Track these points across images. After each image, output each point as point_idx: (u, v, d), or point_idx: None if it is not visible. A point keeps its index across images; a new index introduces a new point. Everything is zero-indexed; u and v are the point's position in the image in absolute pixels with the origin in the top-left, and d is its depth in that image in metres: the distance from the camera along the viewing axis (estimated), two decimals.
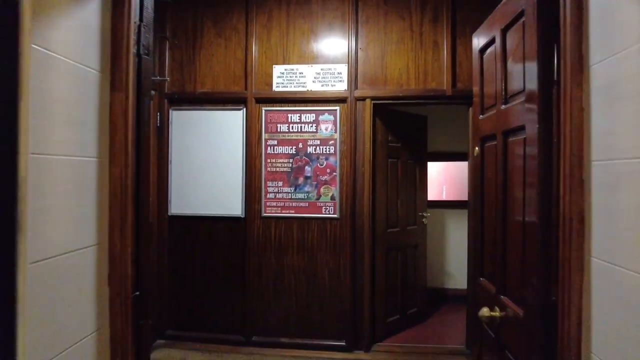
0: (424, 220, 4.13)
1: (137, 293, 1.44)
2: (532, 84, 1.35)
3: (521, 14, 1.45)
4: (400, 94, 3.39)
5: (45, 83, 1.06)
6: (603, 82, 1.12)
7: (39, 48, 1.03)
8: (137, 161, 1.43)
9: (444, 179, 5.76)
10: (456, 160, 4.81)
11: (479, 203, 1.95)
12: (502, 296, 1.64)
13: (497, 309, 1.64)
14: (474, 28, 2.05)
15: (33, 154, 1.01)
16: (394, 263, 3.77)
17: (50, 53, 1.08)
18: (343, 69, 3.43)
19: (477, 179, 2.03)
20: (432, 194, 5.38)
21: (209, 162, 3.50)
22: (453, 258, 4.91)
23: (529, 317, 1.38)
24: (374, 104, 3.42)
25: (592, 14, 1.17)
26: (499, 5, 1.70)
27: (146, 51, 1.49)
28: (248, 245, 3.48)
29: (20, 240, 0.97)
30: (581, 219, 1.20)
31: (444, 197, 5.61)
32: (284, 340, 3.44)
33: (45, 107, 1.07)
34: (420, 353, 3.39)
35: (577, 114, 1.22)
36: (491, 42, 1.77)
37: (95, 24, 1.29)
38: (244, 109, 3.49)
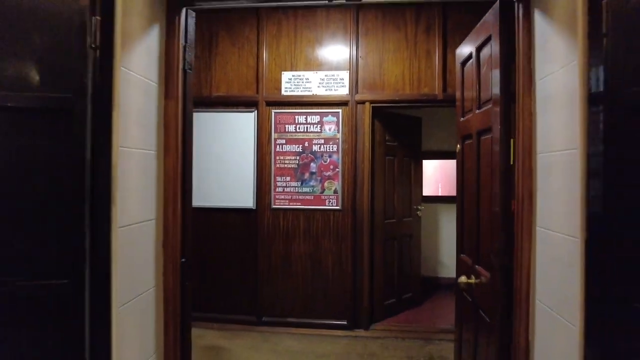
0: (418, 212, 4.50)
1: (183, 260, 1.81)
2: (496, 93, 1.72)
3: (489, 37, 1.82)
4: (397, 98, 3.77)
5: (125, 93, 1.43)
6: (543, 95, 1.49)
7: (123, 68, 1.40)
8: (183, 154, 1.80)
9: (440, 176, 6.15)
10: (448, 158, 5.17)
11: (460, 192, 2.32)
12: (476, 266, 2.01)
13: (472, 277, 2.01)
14: (463, 36, 2.40)
15: (121, 146, 1.38)
16: (391, 251, 4.14)
17: (129, 71, 1.45)
18: (345, 75, 3.80)
19: (459, 172, 2.40)
20: (429, 190, 5.77)
21: (223, 159, 3.86)
22: (447, 249, 5.28)
23: (493, 277, 1.75)
24: (372, 107, 3.79)
25: (537, 42, 1.55)
26: (475, 27, 2.07)
27: (189, 66, 1.86)
28: (259, 234, 3.85)
29: (114, 210, 1.34)
30: (530, 198, 1.58)
31: (439, 193, 5.99)
32: (291, 319, 3.80)
33: (125, 111, 1.43)
34: (413, 332, 3.76)
35: (527, 117, 1.59)
36: (469, 57, 2.15)
37: (154, 47, 1.66)
38: (256, 111, 3.86)
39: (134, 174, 1.51)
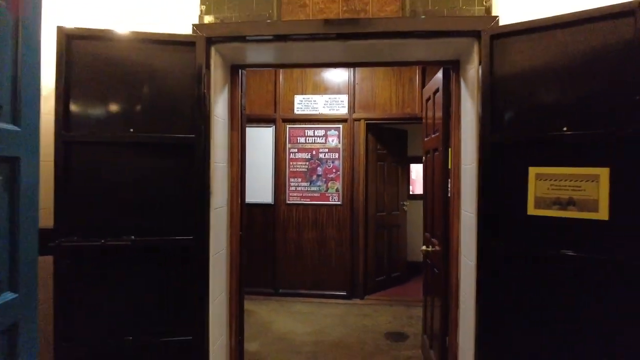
0: (404, 207, 5.50)
1: (241, 233, 2.81)
2: (440, 126, 2.72)
3: (438, 89, 2.82)
4: (385, 117, 4.76)
5: (214, 129, 2.42)
6: (464, 130, 2.49)
7: (214, 115, 2.40)
8: (240, 165, 2.79)
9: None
10: None
11: (425, 189, 3.32)
12: (432, 239, 3.00)
13: (430, 246, 3.01)
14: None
15: (214, 162, 2.37)
16: (382, 238, 5.14)
17: (216, 116, 2.45)
18: (345, 98, 4.80)
19: (424, 175, 3.40)
20: (418, 189, 6.74)
21: (249, 164, 4.84)
22: None
23: (440, 244, 2.75)
24: (366, 123, 4.79)
25: (462, 96, 2.54)
26: (432, 79, 3.06)
27: (244, 107, 2.85)
28: (276, 224, 4.85)
29: (211, 199, 2.34)
30: (459, 193, 2.57)
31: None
32: (301, 291, 4.80)
33: (214, 141, 2.42)
34: (399, 301, 4.75)
35: (457, 143, 2.58)
36: (428, 99, 3.15)
37: (225, 96, 2.65)
38: (274, 127, 4.86)
39: (218, 178, 2.51)
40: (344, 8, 2.29)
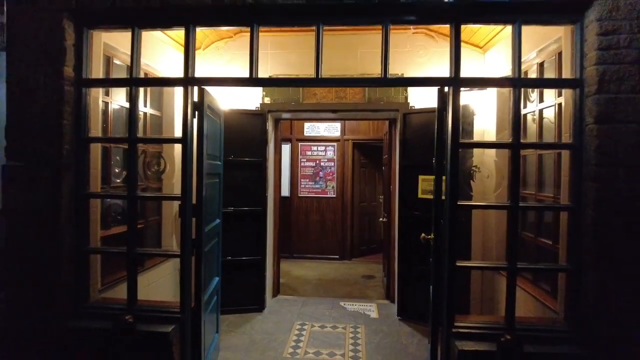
0: (380, 199, 7.83)
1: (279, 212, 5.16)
2: (388, 153, 5.06)
3: (386, 132, 5.17)
4: (366, 138, 7.10)
5: (269, 154, 4.75)
6: (395, 157, 4.83)
7: (268, 147, 4.74)
8: (279, 172, 5.13)
9: None
10: None
11: (383, 187, 5.68)
12: (385, 214, 5.35)
13: (384, 218, 5.35)
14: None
15: (269, 172, 4.72)
16: (363, 220, 7.48)
17: (269, 148, 4.79)
18: (338, 125, 7.14)
19: (385, 178, 5.75)
20: None
21: None
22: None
23: (386, 217, 5.10)
24: (353, 142, 7.13)
25: (394, 137, 4.88)
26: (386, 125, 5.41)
27: (281, 140, 5.20)
28: (291, 210, 7.18)
29: (267, 190, 4.71)
30: (394, 188, 4.91)
31: None
32: (308, 255, 7.14)
33: (268, 162, 4.76)
34: (373, 261, 7.09)
35: (393, 163, 4.92)
36: (385, 133, 5.49)
37: (274, 137, 5.00)
38: (290, 144, 7.20)
39: (269, 180, 4.84)
40: (335, 96, 4.63)
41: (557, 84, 2.88)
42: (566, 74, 2.66)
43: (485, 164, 4.03)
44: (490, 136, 4.14)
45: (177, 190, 4.36)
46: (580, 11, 2.46)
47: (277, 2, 2.49)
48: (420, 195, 4.28)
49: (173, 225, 4.31)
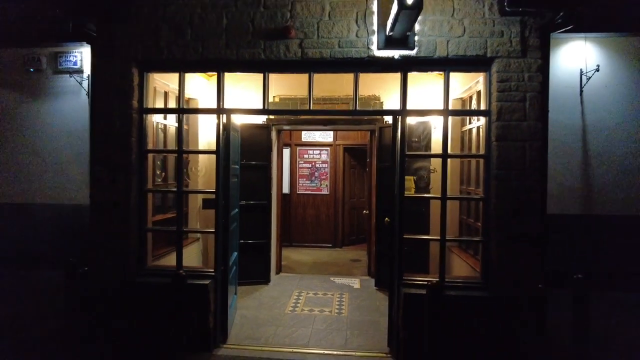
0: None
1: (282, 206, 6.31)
2: (370, 158, 6.22)
3: (368, 139, 6.33)
4: (355, 143, 8.26)
5: (272, 158, 5.90)
6: (374, 160, 5.99)
7: (273, 152, 5.91)
8: (281, 173, 6.29)
9: None
10: None
11: (368, 185, 6.84)
12: (367, 207, 6.51)
13: (367, 212, 6.51)
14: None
15: (273, 173, 5.89)
16: (353, 214, 8.64)
17: (273, 153, 5.95)
18: (331, 132, 8.29)
19: (367, 176, 6.92)
20: None
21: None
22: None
23: (367, 209, 6.26)
24: (343, 147, 8.29)
25: (374, 144, 6.04)
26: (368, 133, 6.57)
27: (282, 145, 6.35)
28: (291, 205, 8.34)
29: (272, 188, 5.88)
30: (374, 186, 6.07)
31: None
32: (305, 244, 8.30)
33: (272, 164, 5.91)
34: (362, 250, 8.24)
35: (373, 165, 6.08)
36: (369, 140, 6.66)
37: (276, 143, 6.15)
38: (290, 148, 8.35)
39: (273, 179, 5.99)
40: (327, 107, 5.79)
41: (474, 113, 4.05)
42: (482, 106, 3.82)
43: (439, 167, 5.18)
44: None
45: (200, 186, 5.54)
46: (488, 64, 3.62)
47: (281, 58, 3.64)
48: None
49: (197, 215, 5.46)
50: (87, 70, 6.37)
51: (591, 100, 5.65)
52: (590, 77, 5.74)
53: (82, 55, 6.54)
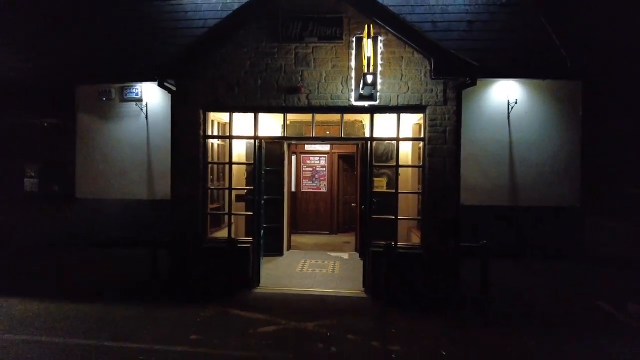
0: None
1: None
2: (357, 163, 8.39)
3: (357, 151, 8.50)
4: (347, 151, 10.44)
5: (285, 164, 8.08)
6: (360, 166, 8.16)
7: (285, 160, 8.09)
8: (289, 175, 8.46)
9: None
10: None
11: (359, 185, 9.03)
12: (355, 201, 8.68)
13: (354, 205, 8.68)
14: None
15: (284, 175, 8.08)
16: (346, 208, 10.82)
17: (284, 160, 8.13)
18: (328, 145, 10.48)
19: (356, 179, 9.10)
20: None
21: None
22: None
23: (354, 204, 8.44)
24: (338, 154, 10.48)
25: (360, 151, 8.21)
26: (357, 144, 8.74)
27: (291, 154, 8.54)
28: (297, 200, 10.52)
29: (284, 187, 8.07)
30: (360, 185, 8.25)
31: None
32: (308, 231, 10.47)
33: (284, 168, 8.09)
34: (352, 236, 10.40)
35: (360, 170, 8.25)
36: (356, 150, 8.83)
37: (287, 153, 8.33)
38: (296, 155, 10.53)
39: (284, 180, 8.16)
40: (322, 131, 7.97)
41: (417, 139, 6.23)
42: (422, 135, 6.00)
43: (404, 172, 7.37)
44: (409, 158, 7.49)
45: (232, 185, 7.68)
46: (423, 109, 5.80)
47: (295, 105, 5.82)
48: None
49: (232, 206, 7.64)
50: (145, 99, 8.81)
51: (515, 122, 8.02)
52: (513, 107, 8.13)
53: (142, 88, 9.03)
